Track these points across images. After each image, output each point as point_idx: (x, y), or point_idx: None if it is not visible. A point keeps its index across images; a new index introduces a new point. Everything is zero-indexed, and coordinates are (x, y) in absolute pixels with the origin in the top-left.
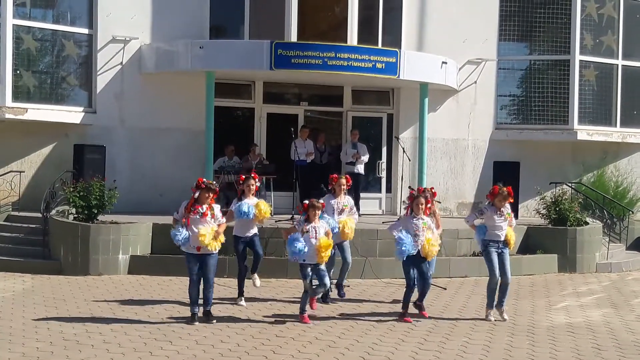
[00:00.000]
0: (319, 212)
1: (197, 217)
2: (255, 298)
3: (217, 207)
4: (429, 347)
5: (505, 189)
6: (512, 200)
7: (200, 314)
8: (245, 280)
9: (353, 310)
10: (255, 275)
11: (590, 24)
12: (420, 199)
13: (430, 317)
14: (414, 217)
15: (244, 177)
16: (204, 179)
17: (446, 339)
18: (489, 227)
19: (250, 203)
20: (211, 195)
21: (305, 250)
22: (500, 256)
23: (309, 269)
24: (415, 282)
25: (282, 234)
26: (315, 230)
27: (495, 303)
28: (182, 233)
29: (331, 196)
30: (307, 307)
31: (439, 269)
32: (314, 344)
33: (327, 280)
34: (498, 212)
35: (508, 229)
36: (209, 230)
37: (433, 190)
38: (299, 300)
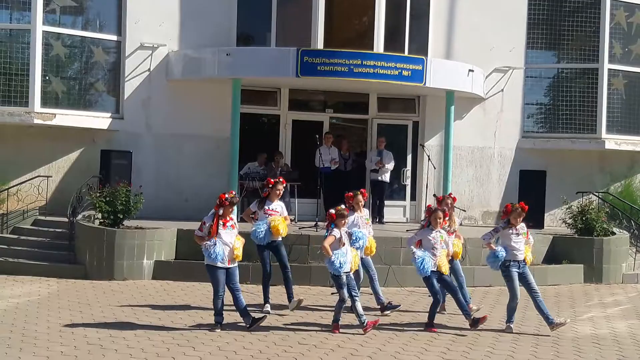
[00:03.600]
0: (346, 221)
1: (227, 231)
2: (278, 305)
3: (234, 217)
4: (452, 357)
5: (518, 205)
6: (525, 211)
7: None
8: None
9: (375, 318)
10: (294, 301)
11: (619, 33)
12: (438, 212)
13: (453, 327)
14: (432, 230)
15: (273, 181)
16: (226, 195)
17: (470, 349)
18: (508, 247)
19: (275, 207)
20: (232, 209)
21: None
22: (523, 276)
23: (344, 277)
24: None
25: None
26: (343, 238)
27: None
28: (219, 249)
29: (352, 212)
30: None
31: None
32: (336, 351)
33: (352, 293)
34: (515, 231)
35: (525, 247)
36: (240, 244)
37: (452, 196)
38: (323, 307)
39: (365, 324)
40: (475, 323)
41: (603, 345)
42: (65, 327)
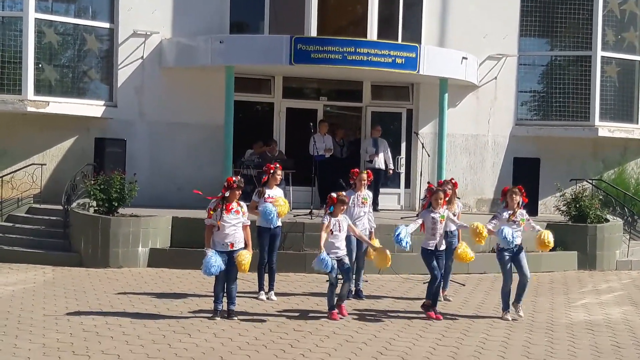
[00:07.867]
0: (345, 207)
1: (230, 216)
2: (277, 292)
3: (244, 205)
4: (446, 343)
5: (516, 187)
6: (526, 200)
7: (224, 309)
8: (264, 293)
9: (370, 305)
10: (272, 293)
11: (612, 20)
12: (439, 193)
13: (447, 314)
14: (432, 211)
15: (272, 167)
16: (234, 178)
17: (464, 335)
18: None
19: (274, 194)
20: (239, 192)
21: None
22: (516, 258)
23: (335, 261)
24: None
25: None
26: (339, 224)
27: (512, 300)
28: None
29: (351, 191)
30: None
31: (457, 265)
32: (332, 338)
33: (351, 275)
34: (512, 217)
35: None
36: (247, 257)
37: (453, 181)
38: (317, 294)
39: (330, 312)
40: (427, 308)
41: (597, 331)
42: (61, 314)
